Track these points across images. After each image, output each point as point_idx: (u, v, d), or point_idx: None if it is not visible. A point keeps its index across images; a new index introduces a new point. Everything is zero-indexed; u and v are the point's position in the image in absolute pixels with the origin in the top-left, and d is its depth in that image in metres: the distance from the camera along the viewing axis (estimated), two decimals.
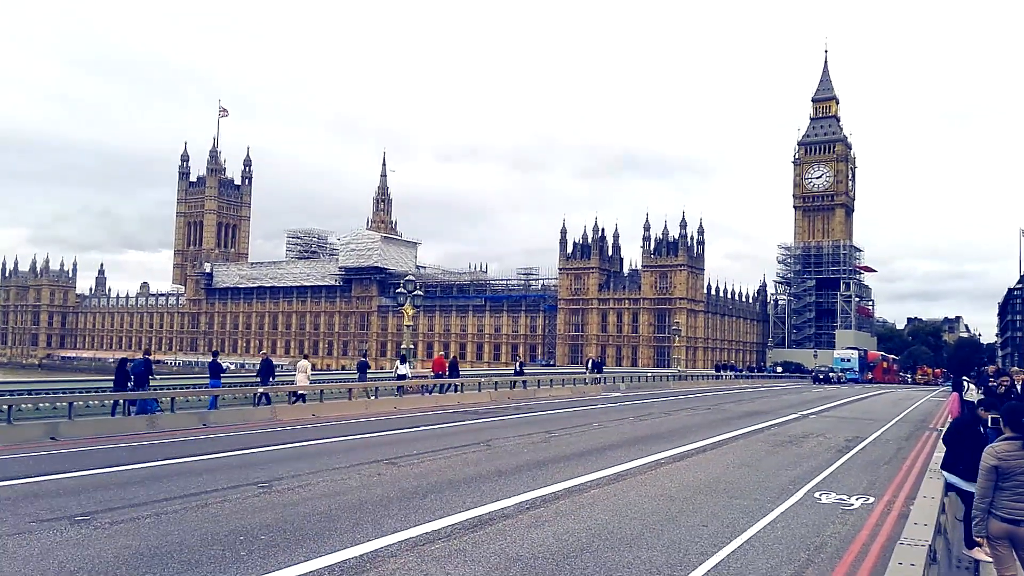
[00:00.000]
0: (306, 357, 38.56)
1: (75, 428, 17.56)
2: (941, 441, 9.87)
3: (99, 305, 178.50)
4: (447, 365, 35.24)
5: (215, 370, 25.17)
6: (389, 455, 15.26)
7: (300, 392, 25.45)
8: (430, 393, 31.08)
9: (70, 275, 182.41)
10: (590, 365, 51.62)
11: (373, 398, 27.88)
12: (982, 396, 14.58)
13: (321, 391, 25.80)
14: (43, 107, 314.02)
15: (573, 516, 10.32)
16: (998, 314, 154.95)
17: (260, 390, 24.92)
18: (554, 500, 11.29)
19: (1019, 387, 14.90)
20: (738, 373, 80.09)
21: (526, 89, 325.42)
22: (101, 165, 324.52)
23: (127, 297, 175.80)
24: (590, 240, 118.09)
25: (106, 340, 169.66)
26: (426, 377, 34.97)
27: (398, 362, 34.77)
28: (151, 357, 23.75)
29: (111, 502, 10.39)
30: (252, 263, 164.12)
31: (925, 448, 19.24)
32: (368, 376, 33.63)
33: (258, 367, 27.85)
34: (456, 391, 31.86)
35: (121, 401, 20.15)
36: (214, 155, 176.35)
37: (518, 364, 49.56)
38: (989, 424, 8.83)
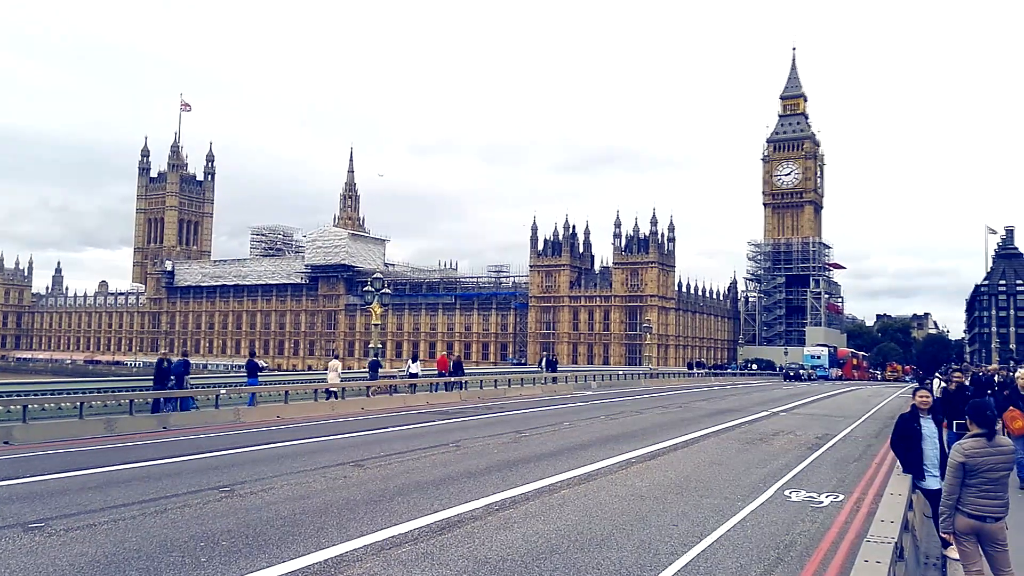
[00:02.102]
0: (337, 357, 39.08)
1: (30, 432, 17.12)
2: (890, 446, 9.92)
3: (56, 305, 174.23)
4: (451, 364, 36.75)
5: (252, 369, 27.34)
6: (355, 457, 15.04)
7: (332, 390, 27.30)
8: (436, 391, 32.33)
9: (25, 274, 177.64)
10: (543, 363, 49.33)
11: (368, 397, 28.19)
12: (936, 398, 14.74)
13: (286, 392, 25.48)
14: None
15: (543, 517, 10.21)
16: (966, 310, 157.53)
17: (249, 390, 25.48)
18: (524, 501, 11.17)
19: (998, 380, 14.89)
20: (716, 371, 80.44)
21: (501, 83, 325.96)
22: (60, 158, 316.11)
23: (85, 296, 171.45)
24: (561, 237, 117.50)
25: (63, 341, 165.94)
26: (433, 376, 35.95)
27: (409, 361, 37.32)
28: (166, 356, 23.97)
29: (66, 508, 10.11)
30: (215, 261, 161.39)
31: None
32: (380, 375, 34.42)
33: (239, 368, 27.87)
34: (461, 389, 33.53)
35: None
36: (176, 150, 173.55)
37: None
38: (955, 429, 8.87)
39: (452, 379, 34.46)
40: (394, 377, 35.06)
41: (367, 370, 34.93)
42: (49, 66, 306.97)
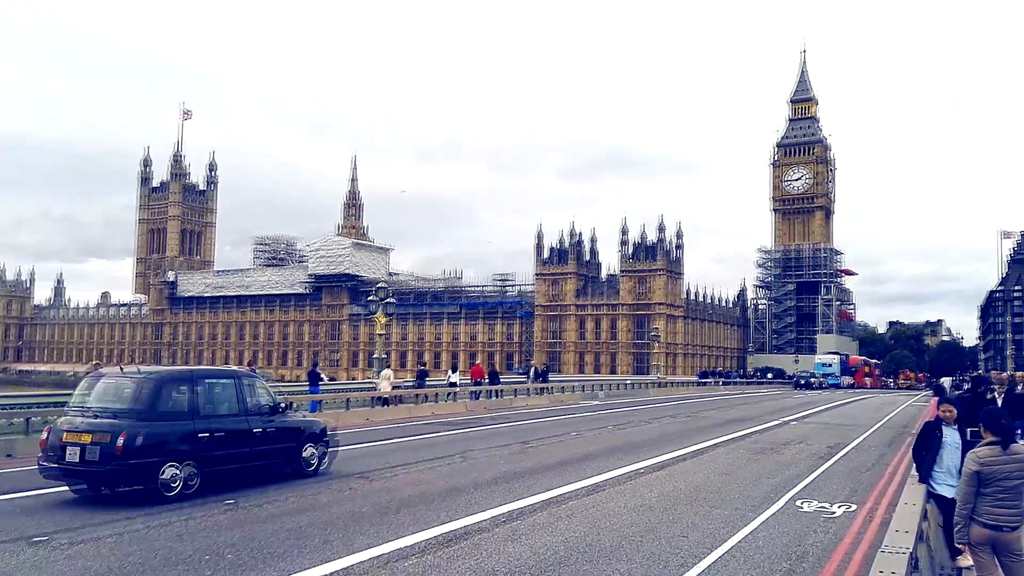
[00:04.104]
0: (388, 366, 39.87)
1: (33, 445, 17.00)
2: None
3: (57, 316, 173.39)
4: (487, 374, 38.26)
5: (314, 378, 29.01)
6: (360, 469, 14.95)
7: (384, 397, 28.52)
8: (477, 399, 34.15)
9: (27, 285, 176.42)
10: (532, 374, 46.06)
11: (389, 406, 28.60)
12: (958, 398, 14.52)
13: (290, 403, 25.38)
14: None
15: (550, 529, 10.10)
16: (979, 317, 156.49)
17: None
18: (531, 513, 11.06)
19: (1020, 388, 14.67)
20: (727, 379, 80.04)
21: (507, 89, 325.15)
22: (60, 168, 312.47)
23: (87, 307, 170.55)
24: (567, 244, 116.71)
25: (65, 353, 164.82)
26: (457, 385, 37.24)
27: (449, 371, 40.20)
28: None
29: (70, 522, 10.05)
30: (218, 271, 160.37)
31: (908, 454, 19.10)
32: (427, 384, 36.28)
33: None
34: (496, 397, 35.34)
35: None
36: (177, 159, 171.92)
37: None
38: (968, 437, 8.74)
39: (491, 387, 35.75)
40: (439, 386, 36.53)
41: (415, 379, 37.37)
42: (49, 74, 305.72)
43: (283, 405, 14.34)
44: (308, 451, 14.06)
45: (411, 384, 38.05)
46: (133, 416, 11.46)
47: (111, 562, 8.21)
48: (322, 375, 34.52)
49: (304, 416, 17.29)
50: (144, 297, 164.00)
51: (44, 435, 12.03)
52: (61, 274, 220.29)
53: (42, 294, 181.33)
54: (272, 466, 13.52)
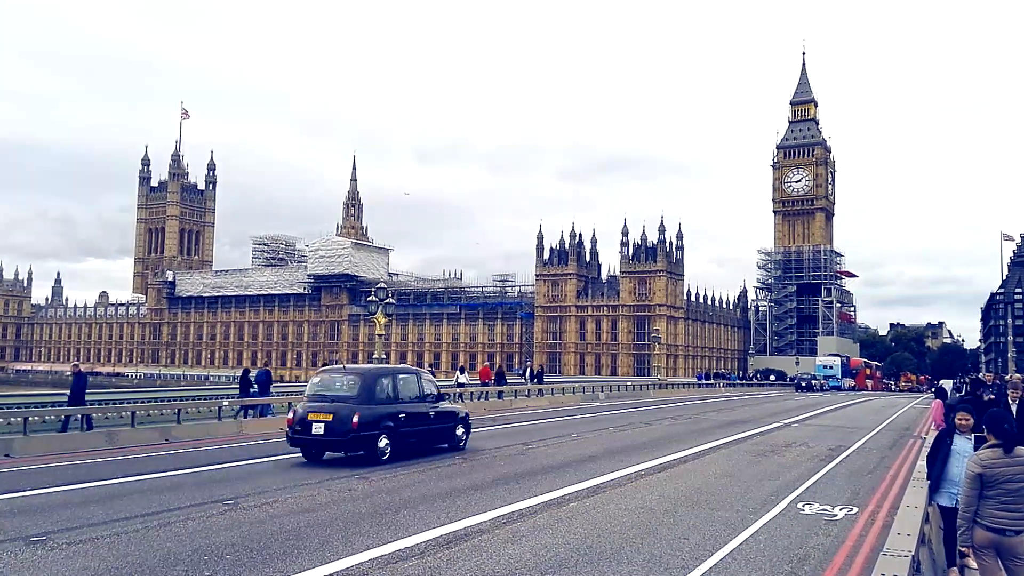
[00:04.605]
0: (463, 371, 41.24)
1: (31, 445, 17.02)
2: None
3: (55, 316, 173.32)
4: (494, 375, 39.54)
5: None
6: (360, 469, 14.91)
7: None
8: (487, 400, 34.96)
9: (25, 284, 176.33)
10: (528, 375, 45.74)
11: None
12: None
13: (289, 403, 25.43)
14: None
15: (551, 530, 10.06)
16: (981, 319, 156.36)
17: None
18: (531, 514, 11.02)
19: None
20: (728, 381, 79.97)
21: (507, 89, 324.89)
22: (59, 168, 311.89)
23: (85, 307, 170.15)
24: (568, 245, 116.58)
25: (63, 352, 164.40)
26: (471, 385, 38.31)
27: (458, 372, 39.78)
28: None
29: (69, 522, 10.02)
30: (216, 271, 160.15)
31: (909, 457, 19.12)
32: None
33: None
34: (498, 398, 35.89)
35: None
36: (176, 159, 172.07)
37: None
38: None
39: (497, 388, 36.40)
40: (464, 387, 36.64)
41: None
42: (47, 74, 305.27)
43: (444, 394, 19.04)
44: (459, 430, 18.43)
45: None
46: (359, 401, 15.62)
47: (109, 562, 8.18)
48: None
49: (453, 405, 20.97)
50: (143, 297, 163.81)
51: (290, 415, 16.62)
52: (59, 274, 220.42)
53: (40, 294, 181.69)
54: (437, 440, 17.91)
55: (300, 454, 16.12)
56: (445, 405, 18.61)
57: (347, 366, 18.86)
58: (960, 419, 8.71)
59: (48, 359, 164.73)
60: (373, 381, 16.27)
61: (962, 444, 8.45)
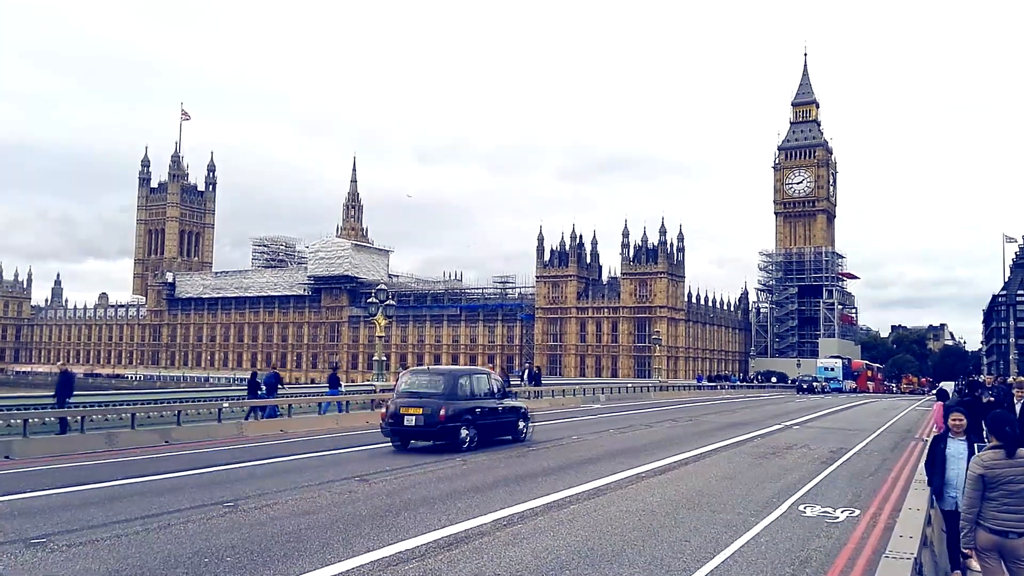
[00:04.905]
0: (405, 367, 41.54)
1: (30, 446, 17.01)
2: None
3: (55, 317, 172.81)
4: (525, 375, 41.52)
5: (334, 382, 30.85)
6: (361, 471, 14.89)
7: None
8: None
9: (24, 285, 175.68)
10: (526, 376, 44.59)
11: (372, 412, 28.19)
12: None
13: (289, 405, 25.49)
14: None
15: (552, 533, 10.03)
16: (983, 321, 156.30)
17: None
18: (532, 516, 10.99)
19: None
20: (729, 383, 79.94)
21: (507, 89, 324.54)
22: (59, 168, 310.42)
23: (85, 308, 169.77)
24: (568, 247, 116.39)
25: (63, 354, 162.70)
26: None
27: None
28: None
29: (68, 523, 9.99)
30: (216, 272, 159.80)
31: (911, 459, 19.09)
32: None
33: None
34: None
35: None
36: (176, 159, 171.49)
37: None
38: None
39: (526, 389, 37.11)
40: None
41: None
42: (47, 75, 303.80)
43: (510, 392, 22.26)
44: (521, 424, 20.97)
45: None
46: (444, 397, 18.26)
47: (110, 564, 8.15)
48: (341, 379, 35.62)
49: (515, 402, 22.47)
50: (142, 298, 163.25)
51: (384, 409, 19.43)
52: (59, 275, 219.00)
53: (40, 295, 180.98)
54: (504, 432, 20.39)
55: (313, 453, 17.71)
56: (509, 402, 21.05)
57: (431, 367, 22.32)
58: (953, 420, 8.70)
59: (48, 361, 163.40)
60: (455, 380, 19.07)
61: (956, 447, 8.45)
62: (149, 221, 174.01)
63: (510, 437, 20.42)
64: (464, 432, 18.15)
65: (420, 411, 17.88)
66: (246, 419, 23.63)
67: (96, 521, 10.14)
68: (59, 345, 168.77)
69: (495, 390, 20.16)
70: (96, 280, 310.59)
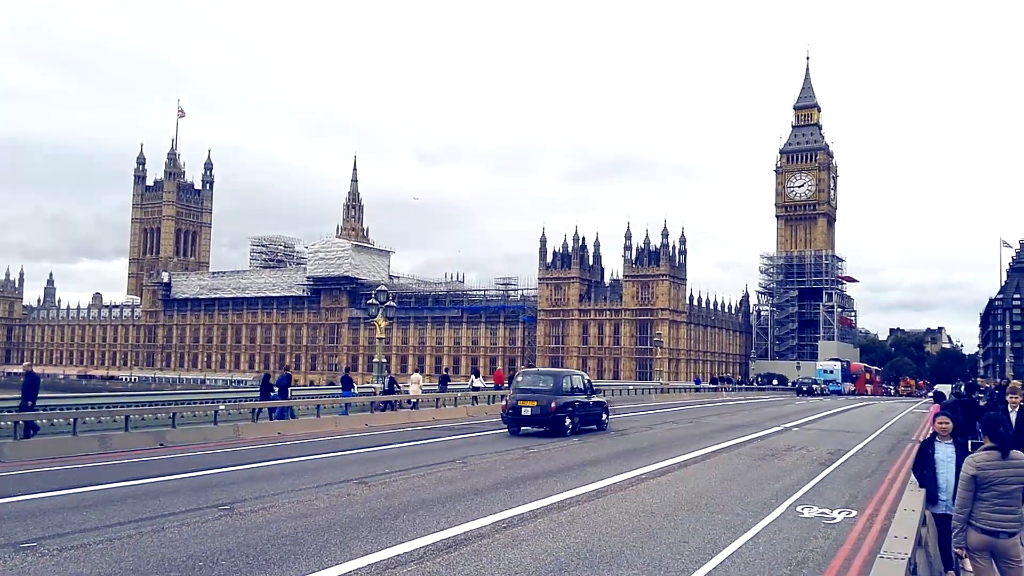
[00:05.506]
0: (419, 371, 42.91)
1: (22, 449, 16.89)
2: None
3: (48, 317, 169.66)
4: (506, 379, 41.97)
5: (347, 383, 31.94)
6: (359, 474, 14.85)
7: (412, 401, 31.41)
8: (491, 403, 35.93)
9: (16, 285, 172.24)
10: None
11: (371, 413, 28.14)
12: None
13: (290, 407, 25.52)
14: None
15: (551, 535, 10.01)
16: (980, 324, 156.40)
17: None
18: (532, 518, 10.96)
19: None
20: (729, 384, 79.96)
21: (509, 90, 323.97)
22: (53, 166, 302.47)
23: (79, 309, 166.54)
24: (570, 249, 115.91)
25: (56, 355, 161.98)
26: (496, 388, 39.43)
27: (472, 376, 41.06)
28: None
29: (60, 527, 9.90)
30: (213, 272, 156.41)
31: (908, 461, 19.00)
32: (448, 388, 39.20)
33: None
34: (500, 401, 37.97)
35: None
36: (172, 157, 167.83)
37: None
38: (969, 448, 8.61)
39: (502, 392, 37.24)
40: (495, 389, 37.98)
41: (439, 384, 40.28)
42: (42, 72, 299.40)
43: (597, 389, 27.90)
44: (604, 416, 26.10)
45: (433, 388, 38.88)
46: (553, 393, 23.40)
47: (102, 568, 8.08)
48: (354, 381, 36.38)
49: (601, 397, 27.38)
50: (137, 298, 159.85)
51: (504, 402, 25.10)
52: (52, 274, 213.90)
53: (32, 295, 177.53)
54: (592, 422, 25.32)
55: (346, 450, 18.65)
56: (596, 397, 26.22)
57: (541, 369, 29.69)
58: (939, 425, 8.63)
59: (40, 362, 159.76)
60: (560, 380, 24.67)
61: (943, 450, 8.41)
62: (144, 220, 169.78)
63: (595, 427, 25.27)
64: (568, 420, 23.16)
65: (534, 404, 22.94)
66: (256, 420, 23.86)
67: (88, 524, 10.07)
68: (52, 346, 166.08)
69: (586, 387, 25.53)
70: (90, 280, 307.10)
